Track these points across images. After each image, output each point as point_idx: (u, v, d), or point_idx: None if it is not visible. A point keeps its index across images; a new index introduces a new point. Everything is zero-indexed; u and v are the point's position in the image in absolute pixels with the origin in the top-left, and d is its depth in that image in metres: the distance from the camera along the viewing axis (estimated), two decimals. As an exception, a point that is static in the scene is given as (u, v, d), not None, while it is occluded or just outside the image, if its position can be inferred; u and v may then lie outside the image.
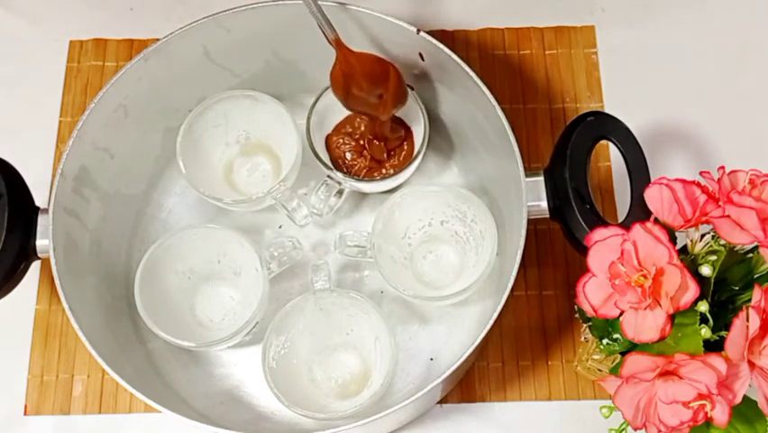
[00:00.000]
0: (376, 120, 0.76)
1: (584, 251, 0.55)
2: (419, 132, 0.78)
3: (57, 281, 0.67)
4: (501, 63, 0.90)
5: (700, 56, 0.90)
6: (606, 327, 0.60)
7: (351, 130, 0.80)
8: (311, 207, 0.78)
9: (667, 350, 0.54)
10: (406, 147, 0.80)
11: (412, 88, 0.78)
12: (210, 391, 0.77)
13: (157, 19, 0.92)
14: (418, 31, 0.73)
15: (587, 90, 0.89)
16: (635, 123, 0.70)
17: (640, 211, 0.63)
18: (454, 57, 0.72)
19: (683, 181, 0.55)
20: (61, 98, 0.89)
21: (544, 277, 0.82)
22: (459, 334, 0.78)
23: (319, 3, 0.70)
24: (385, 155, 0.79)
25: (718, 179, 0.56)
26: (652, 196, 0.56)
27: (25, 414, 0.78)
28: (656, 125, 0.87)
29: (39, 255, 0.69)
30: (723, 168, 0.56)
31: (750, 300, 0.52)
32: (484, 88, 0.71)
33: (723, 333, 0.54)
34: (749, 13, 0.92)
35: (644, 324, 0.53)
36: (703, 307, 0.54)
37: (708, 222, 0.55)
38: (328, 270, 0.73)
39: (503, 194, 0.74)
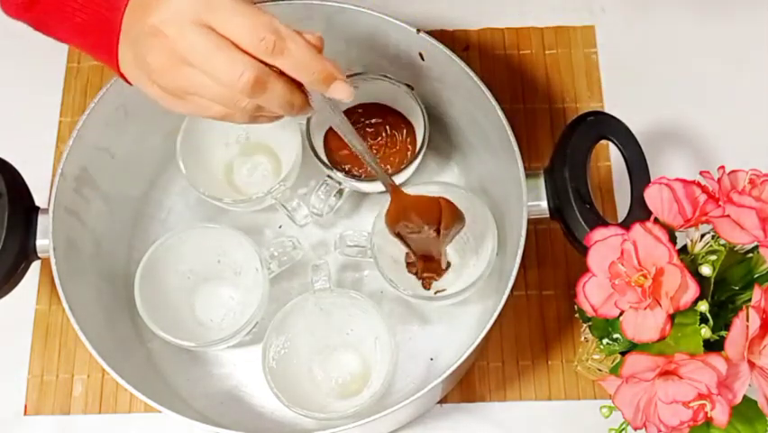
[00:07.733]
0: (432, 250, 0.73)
1: (584, 251, 0.55)
2: (419, 132, 0.78)
3: (57, 281, 0.67)
4: (501, 63, 0.90)
5: (700, 56, 0.90)
6: (606, 327, 0.60)
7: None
8: (311, 207, 0.78)
9: (667, 350, 0.54)
10: (406, 146, 0.80)
11: (412, 88, 0.78)
12: (210, 391, 0.77)
13: (157, 19, 0.92)
14: (418, 31, 0.73)
15: (587, 90, 0.89)
16: (635, 123, 0.69)
17: (640, 211, 0.63)
18: (454, 57, 0.72)
19: (683, 181, 0.55)
20: (61, 98, 0.89)
21: (544, 277, 0.81)
22: (459, 334, 0.78)
23: (325, 2, 0.70)
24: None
25: (718, 179, 0.56)
26: (652, 195, 0.56)
27: (25, 414, 0.78)
28: (656, 125, 0.87)
29: (39, 255, 0.69)
30: (723, 168, 0.56)
31: (750, 300, 0.52)
32: (484, 88, 0.71)
33: (723, 333, 0.54)
34: (749, 14, 0.92)
35: (644, 324, 0.53)
36: (703, 307, 0.53)
37: (708, 222, 0.55)
38: (328, 270, 0.73)
39: (503, 194, 0.74)
